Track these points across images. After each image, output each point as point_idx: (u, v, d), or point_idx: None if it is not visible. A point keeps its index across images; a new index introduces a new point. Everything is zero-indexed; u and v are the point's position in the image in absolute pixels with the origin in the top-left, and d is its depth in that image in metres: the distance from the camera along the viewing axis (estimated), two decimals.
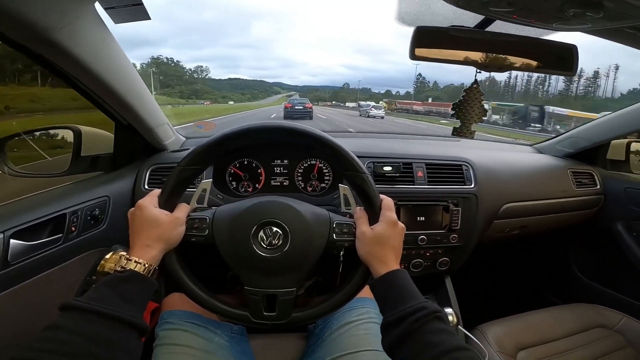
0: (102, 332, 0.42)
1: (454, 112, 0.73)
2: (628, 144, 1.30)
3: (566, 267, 1.45)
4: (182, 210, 0.59)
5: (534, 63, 0.67)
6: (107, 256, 0.53)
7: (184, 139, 1.18)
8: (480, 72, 0.72)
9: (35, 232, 0.70)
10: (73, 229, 0.77)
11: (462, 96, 0.73)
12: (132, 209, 0.56)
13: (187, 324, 0.69)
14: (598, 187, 1.27)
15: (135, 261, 0.50)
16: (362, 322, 0.73)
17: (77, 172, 0.92)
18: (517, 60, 0.67)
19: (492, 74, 0.70)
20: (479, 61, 0.68)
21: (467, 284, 1.23)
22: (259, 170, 1.02)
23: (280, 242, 0.58)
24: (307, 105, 19.90)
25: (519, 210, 1.12)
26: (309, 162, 1.03)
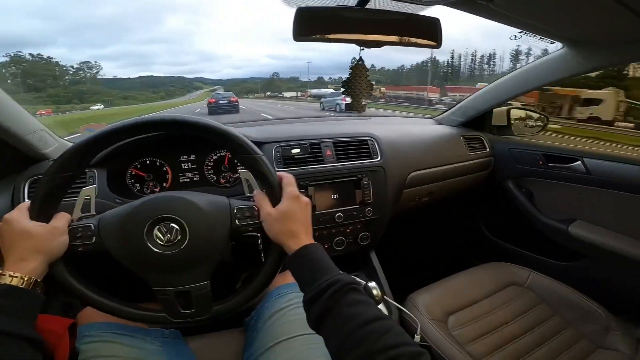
0: None
1: (343, 89, 0.76)
2: (508, 111, 1.49)
3: (477, 229, 1.60)
4: (60, 220, 0.55)
5: (407, 38, 0.72)
6: None
7: (71, 145, 1.04)
8: (363, 49, 0.75)
9: None
10: None
11: (350, 73, 0.76)
12: None
13: (110, 335, 0.64)
14: (487, 150, 1.43)
15: (9, 275, 0.48)
16: (292, 307, 0.72)
17: None
18: (392, 37, 0.71)
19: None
20: (359, 39, 0.71)
21: (393, 256, 1.29)
22: (165, 169, 0.96)
23: (179, 236, 0.55)
24: (232, 99, 18.84)
25: (423, 177, 1.21)
26: (218, 154, 0.99)
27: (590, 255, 1.20)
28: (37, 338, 0.46)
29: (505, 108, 1.47)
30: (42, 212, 0.54)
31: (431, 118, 1.60)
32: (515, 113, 1.51)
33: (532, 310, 0.99)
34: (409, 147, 1.21)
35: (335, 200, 1.01)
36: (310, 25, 0.69)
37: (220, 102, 18.24)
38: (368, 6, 0.72)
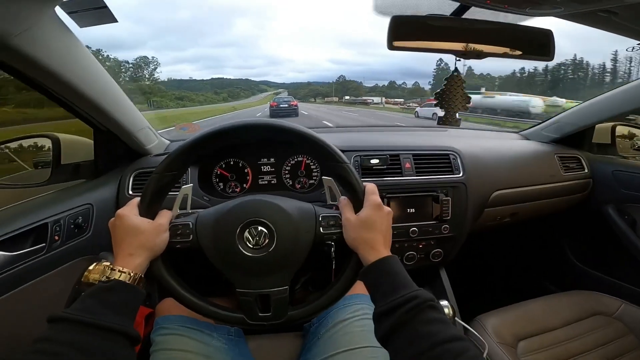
0: (92, 342, 0.42)
1: (437, 101, 0.73)
2: (613, 128, 1.32)
3: (561, 254, 1.45)
4: (164, 217, 0.58)
5: (511, 50, 0.67)
6: (91, 267, 0.54)
7: (168, 142, 1.16)
8: (459, 60, 0.71)
9: (17, 243, 0.69)
10: (56, 238, 0.75)
11: (444, 85, 0.73)
12: (113, 219, 0.55)
13: (183, 329, 0.69)
14: (586, 170, 1.27)
15: (119, 270, 0.50)
16: (357, 318, 0.72)
17: (58, 181, 0.90)
18: (495, 48, 0.67)
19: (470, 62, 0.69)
20: (458, 49, 0.68)
21: (463, 275, 1.22)
22: (246, 170, 1.01)
23: (267, 240, 0.57)
24: (292, 103, 20.37)
25: (508, 197, 1.12)
26: (295, 159, 1.02)
27: None
28: (136, 335, 0.47)
29: (609, 124, 1.31)
30: (150, 209, 0.57)
31: (516, 132, 1.48)
32: (621, 130, 1.33)
33: (617, 340, 0.90)
34: (494, 163, 1.13)
35: (411, 214, 0.98)
36: (405, 34, 0.68)
37: (281, 105, 19.69)
38: (465, 16, 0.69)
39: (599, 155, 1.32)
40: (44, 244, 0.72)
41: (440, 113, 0.71)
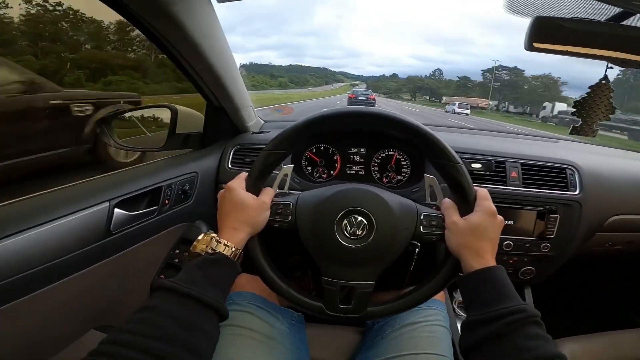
0: (190, 315, 0.43)
1: (575, 109, 0.65)
2: None
3: None
4: (268, 195, 0.58)
5: None
6: (200, 237, 0.54)
7: (263, 122, 1.21)
8: (612, 68, 0.62)
9: (135, 203, 0.74)
10: (167, 202, 0.81)
11: (587, 93, 0.64)
12: (222, 190, 0.57)
13: (252, 307, 0.69)
14: None
15: (224, 244, 0.51)
16: (427, 324, 0.69)
17: (171, 149, 0.99)
18: None
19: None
20: (615, 57, 0.59)
21: (546, 294, 1.11)
22: (335, 157, 1.01)
23: (365, 232, 0.56)
24: (369, 97, 20.91)
25: (629, 223, 0.98)
26: (386, 153, 1.00)
27: None
28: (227, 312, 0.47)
29: None
30: (255, 185, 0.57)
31: None
32: None
33: None
34: (617, 184, 0.98)
35: (508, 227, 0.91)
36: (549, 35, 0.61)
37: (359, 98, 20.40)
38: (627, 22, 0.59)
39: None
40: (156, 207, 0.78)
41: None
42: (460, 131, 1.30)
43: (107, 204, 0.67)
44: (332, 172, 1.02)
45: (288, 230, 0.59)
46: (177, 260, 0.84)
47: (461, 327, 0.48)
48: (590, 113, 0.62)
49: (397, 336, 0.69)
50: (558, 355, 0.40)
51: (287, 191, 0.64)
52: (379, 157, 1.01)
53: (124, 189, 0.72)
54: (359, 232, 0.56)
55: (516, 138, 1.27)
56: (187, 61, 0.78)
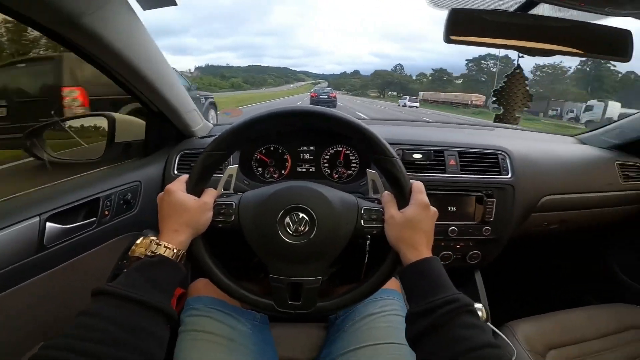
0: (133, 318, 0.42)
1: (495, 99, 0.69)
2: None
3: (606, 266, 1.36)
4: (210, 196, 0.58)
5: (583, 49, 0.62)
6: (138, 241, 0.53)
7: (212, 125, 1.19)
8: (523, 57, 0.67)
9: (70, 216, 0.72)
10: (106, 213, 0.79)
11: (504, 82, 0.69)
12: (161, 193, 0.56)
13: (212, 311, 0.69)
14: None
15: (164, 246, 0.50)
16: (384, 314, 0.71)
17: (111, 158, 0.95)
18: (565, 46, 0.62)
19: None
20: (523, 46, 0.64)
21: (497, 279, 1.18)
22: (285, 157, 1.02)
23: (307, 228, 0.56)
24: (331, 95, 21.64)
25: (559, 203, 1.06)
26: (335, 149, 1.02)
27: None
28: (174, 314, 0.47)
29: None
30: (197, 186, 0.57)
31: (572, 136, 1.38)
32: None
33: None
34: (546, 166, 1.06)
35: (451, 213, 0.95)
36: (464, 27, 0.65)
37: (321, 96, 20.77)
38: (533, 12, 0.65)
39: None
40: (94, 218, 0.75)
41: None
42: (402, 123, 1.35)
43: (37, 218, 0.65)
44: (283, 171, 1.03)
45: (232, 230, 0.59)
46: (125, 270, 0.81)
47: (405, 320, 0.50)
48: (509, 101, 0.67)
49: (357, 329, 0.70)
50: (492, 344, 0.42)
51: (232, 192, 0.64)
52: (328, 154, 1.02)
53: (57, 202, 0.69)
54: (301, 229, 0.57)
55: (457, 128, 1.34)
56: (115, 70, 0.75)
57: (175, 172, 0.96)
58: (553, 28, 0.62)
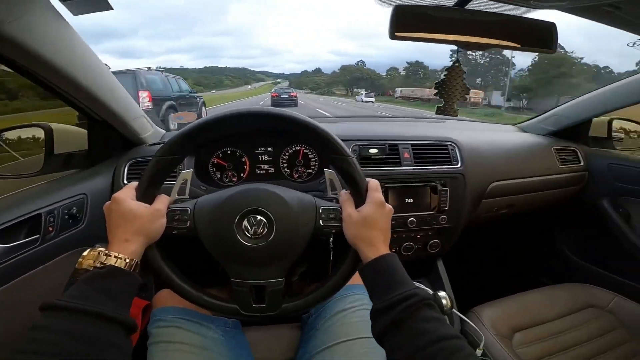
0: (87, 330, 0.41)
1: (437, 91, 0.72)
2: (610, 122, 1.32)
3: (555, 246, 1.46)
4: (162, 202, 0.56)
5: (514, 41, 0.66)
6: (85, 253, 0.51)
7: (164, 132, 1.15)
8: (461, 51, 0.71)
9: (10, 234, 0.67)
10: (50, 229, 0.74)
11: (444, 75, 0.72)
12: (108, 202, 0.54)
13: (180, 320, 0.68)
14: (582, 163, 1.28)
15: (114, 256, 0.48)
16: (355, 309, 0.72)
17: (51, 171, 0.88)
18: (498, 39, 0.66)
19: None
20: (461, 40, 0.67)
21: (459, 266, 1.23)
22: (243, 159, 1.00)
23: (265, 230, 0.56)
24: (291, 94, 21.75)
25: (505, 188, 1.13)
26: (293, 148, 1.01)
27: None
28: (133, 323, 0.45)
29: (606, 118, 1.32)
30: (147, 193, 0.55)
31: (514, 125, 1.48)
32: (618, 124, 1.33)
33: (608, 334, 0.92)
34: (491, 155, 1.13)
35: (409, 205, 0.98)
36: (407, 24, 0.67)
37: (282, 96, 20.96)
38: (468, 7, 0.68)
39: (595, 149, 1.33)
40: (37, 236, 0.71)
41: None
42: (359, 120, 1.38)
43: None
44: (242, 174, 1.01)
45: (189, 237, 0.57)
46: (78, 279, 0.77)
47: (370, 317, 0.50)
48: (449, 94, 0.70)
49: (330, 326, 0.70)
50: (453, 335, 0.43)
51: (187, 197, 0.63)
52: (287, 154, 1.02)
53: None
54: (260, 231, 0.56)
55: (411, 121, 1.40)
56: (47, 79, 0.71)
57: (125, 182, 0.91)
58: (488, 22, 0.66)
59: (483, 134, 1.24)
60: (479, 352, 0.83)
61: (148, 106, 6.34)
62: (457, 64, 0.70)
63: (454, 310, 0.93)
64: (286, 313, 0.60)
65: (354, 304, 0.73)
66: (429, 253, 1.04)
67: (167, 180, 0.59)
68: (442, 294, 0.81)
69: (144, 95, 6.30)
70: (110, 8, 0.70)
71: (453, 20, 0.68)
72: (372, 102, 36.38)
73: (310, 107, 19.32)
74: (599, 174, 1.27)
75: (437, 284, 1.08)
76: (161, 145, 0.57)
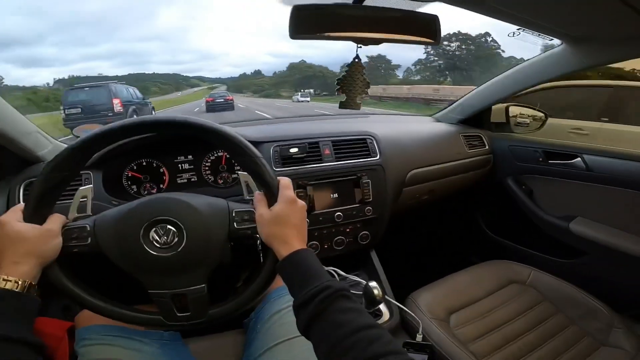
0: None
1: (339, 86, 0.75)
2: (507, 108, 1.48)
3: (477, 227, 1.59)
4: (54, 222, 0.54)
5: (405, 35, 0.71)
6: None
7: (65, 146, 1.03)
8: (360, 47, 0.74)
9: None
10: None
11: (346, 71, 0.75)
12: None
13: (109, 338, 0.64)
14: (486, 147, 1.42)
15: (3, 279, 0.47)
16: (291, 308, 0.72)
17: None
18: (391, 34, 0.70)
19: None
20: (357, 37, 0.70)
21: (393, 255, 1.28)
22: (161, 170, 0.95)
23: (176, 239, 0.55)
24: (227, 98, 21.11)
25: (423, 175, 1.20)
26: (215, 155, 0.99)
27: (591, 253, 1.19)
28: (37, 342, 0.46)
29: (504, 105, 1.46)
30: (36, 213, 0.53)
31: (430, 116, 1.59)
32: (514, 110, 1.50)
33: (534, 308, 0.98)
34: (408, 145, 1.20)
35: (335, 200, 1.00)
36: (307, 23, 0.68)
37: (217, 100, 20.18)
38: (366, 3, 0.71)
39: (497, 133, 1.47)
40: None
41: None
42: (279, 121, 1.38)
43: None
44: (161, 185, 0.96)
45: (93, 253, 0.55)
46: None
47: (294, 313, 0.50)
48: (351, 88, 0.73)
49: (269, 327, 0.70)
50: (370, 324, 0.44)
51: (89, 214, 0.59)
52: (209, 160, 0.99)
53: None
54: (169, 240, 0.55)
55: (333, 118, 1.43)
56: None
57: (21, 203, 0.81)
58: (381, 18, 0.70)
59: (400, 126, 1.32)
60: (419, 337, 0.86)
61: (120, 110, 8.94)
62: (356, 60, 0.72)
63: (389, 298, 0.97)
64: (214, 319, 0.59)
65: (289, 303, 0.72)
66: (360, 245, 1.07)
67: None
68: (372, 284, 0.84)
69: (116, 101, 9.03)
70: None
71: (350, 17, 0.70)
72: (308, 101, 37.95)
73: (250, 110, 18.97)
74: (501, 155, 1.42)
75: (372, 274, 1.11)
76: (48, 162, 0.53)
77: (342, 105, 0.72)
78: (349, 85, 0.71)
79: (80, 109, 8.94)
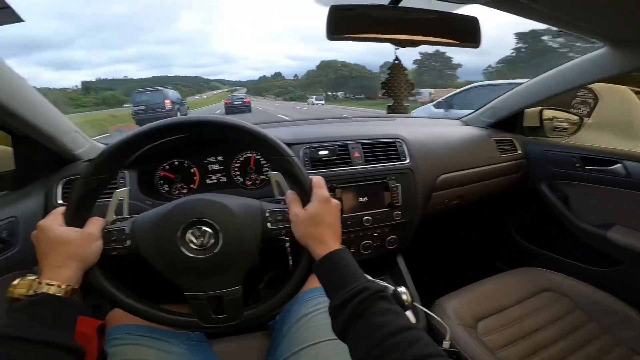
0: (28, 358, 0.40)
1: (384, 90, 0.74)
2: (540, 112, 1.43)
3: (506, 232, 1.55)
4: (95, 225, 0.54)
5: (443, 37, 0.70)
6: (15, 282, 0.49)
7: (103, 146, 1.08)
8: (398, 49, 0.73)
9: None
10: None
11: (388, 74, 0.74)
12: (35, 232, 0.52)
13: (138, 338, 0.65)
14: (519, 152, 1.37)
15: (46, 284, 0.47)
16: (319, 312, 0.72)
17: None
18: (428, 36, 0.69)
19: None
20: (394, 38, 0.69)
21: (421, 260, 1.26)
22: (192, 170, 0.97)
23: (212, 241, 0.55)
24: (244, 100, 22.39)
25: (453, 180, 1.18)
26: (244, 156, 1.00)
27: (629, 261, 1.14)
28: (77, 347, 0.45)
29: (537, 109, 1.41)
30: (76, 217, 0.53)
31: (458, 119, 1.56)
32: (548, 114, 1.45)
33: (567, 316, 0.95)
34: (437, 149, 1.18)
35: (363, 203, 0.99)
36: (344, 24, 0.68)
37: (235, 102, 21.48)
38: (402, 4, 0.71)
39: (530, 137, 1.43)
40: None
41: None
42: (307, 123, 1.39)
43: None
44: (192, 185, 0.98)
45: (132, 255, 0.55)
46: (10, 309, 0.71)
47: (329, 315, 0.50)
48: (396, 92, 0.72)
49: (296, 331, 0.70)
50: (409, 326, 0.43)
51: (127, 216, 0.60)
52: (238, 161, 1.00)
53: None
54: (206, 242, 0.55)
55: (361, 121, 1.42)
56: None
57: (60, 201, 0.84)
58: (418, 20, 0.69)
59: (429, 129, 1.29)
60: (446, 343, 0.84)
61: (170, 108, 12.47)
62: (397, 62, 0.72)
63: (416, 304, 0.95)
64: (249, 321, 0.59)
65: (317, 307, 0.72)
66: (387, 250, 1.06)
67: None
68: (401, 289, 0.83)
69: (167, 101, 12.92)
70: (20, 20, 0.66)
71: (387, 19, 0.70)
72: (322, 104, 40.38)
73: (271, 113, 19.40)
74: (535, 160, 1.37)
75: (398, 279, 1.09)
76: (87, 165, 0.54)
77: (390, 110, 0.71)
78: (394, 88, 0.70)
79: (144, 107, 12.82)
